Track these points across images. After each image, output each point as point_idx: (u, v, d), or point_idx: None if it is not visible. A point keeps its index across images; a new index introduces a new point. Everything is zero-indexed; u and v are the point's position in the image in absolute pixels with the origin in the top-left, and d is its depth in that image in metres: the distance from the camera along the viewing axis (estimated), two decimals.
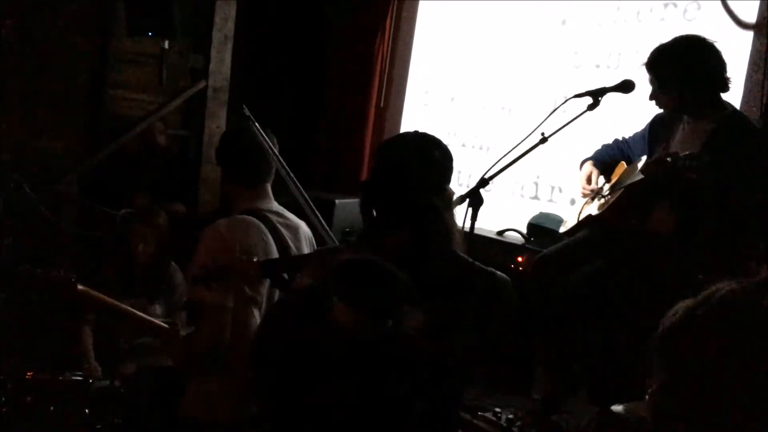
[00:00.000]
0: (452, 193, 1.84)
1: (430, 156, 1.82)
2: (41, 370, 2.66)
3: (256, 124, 2.33)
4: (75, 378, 2.73)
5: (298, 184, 2.40)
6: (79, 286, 2.37)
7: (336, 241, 2.45)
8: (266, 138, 2.34)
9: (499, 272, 1.83)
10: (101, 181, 4.37)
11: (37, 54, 4.29)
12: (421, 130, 1.96)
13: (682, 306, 1.02)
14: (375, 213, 1.79)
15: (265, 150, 2.33)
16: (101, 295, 2.47)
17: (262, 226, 2.27)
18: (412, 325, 1.32)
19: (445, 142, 1.96)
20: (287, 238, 2.33)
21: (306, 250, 2.37)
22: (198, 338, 2.16)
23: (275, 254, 2.25)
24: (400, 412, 1.08)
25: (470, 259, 1.82)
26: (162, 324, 2.48)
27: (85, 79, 4.53)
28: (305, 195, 2.43)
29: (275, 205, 2.41)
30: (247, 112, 2.33)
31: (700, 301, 0.99)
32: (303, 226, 2.43)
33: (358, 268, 1.40)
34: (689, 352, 0.96)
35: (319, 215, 2.45)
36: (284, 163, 2.38)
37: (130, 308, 2.56)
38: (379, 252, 1.73)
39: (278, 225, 2.32)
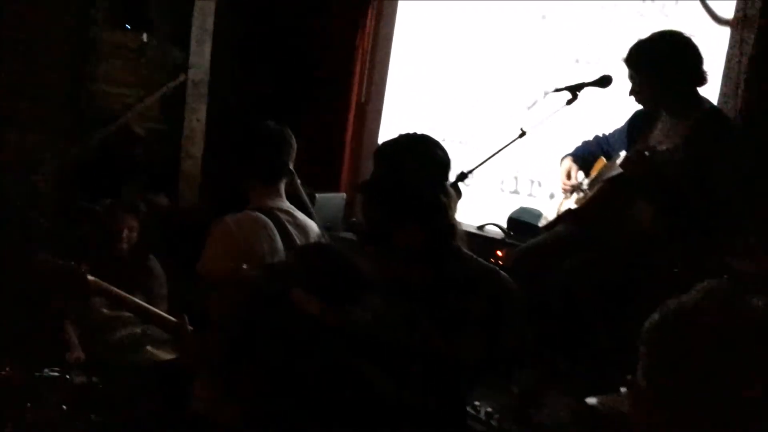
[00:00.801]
0: (452, 191, 1.88)
1: (434, 155, 1.87)
2: (18, 367, 2.64)
3: (297, 179, 2.39)
4: (52, 374, 2.71)
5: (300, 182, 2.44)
6: (90, 277, 2.37)
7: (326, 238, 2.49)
8: (288, 140, 2.38)
9: (501, 271, 1.87)
10: (79, 175, 4.33)
11: (16, 47, 4.23)
12: (415, 131, 2.00)
13: (671, 302, 1.03)
14: (380, 212, 1.82)
15: (282, 148, 2.35)
16: (111, 287, 2.47)
17: (270, 224, 2.28)
18: (375, 313, 1.31)
19: None
20: (295, 237, 2.34)
21: None
22: (210, 339, 2.15)
23: (281, 252, 2.26)
24: (372, 399, 1.08)
25: (475, 256, 1.86)
26: (170, 318, 2.47)
27: (64, 73, 4.48)
28: (304, 194, 2.46)
29: (286, 204, 2.42)
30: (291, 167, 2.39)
31: (689, 299, 0.99)
32: (313, 226, 2.45)
33: (316, 255, 1.40)
34: (675, 349, 0.97)
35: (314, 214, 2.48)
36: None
37: (138, 300, 2.55)
38: (386, 250, 1.76)
39: (287, 224, 2.33)
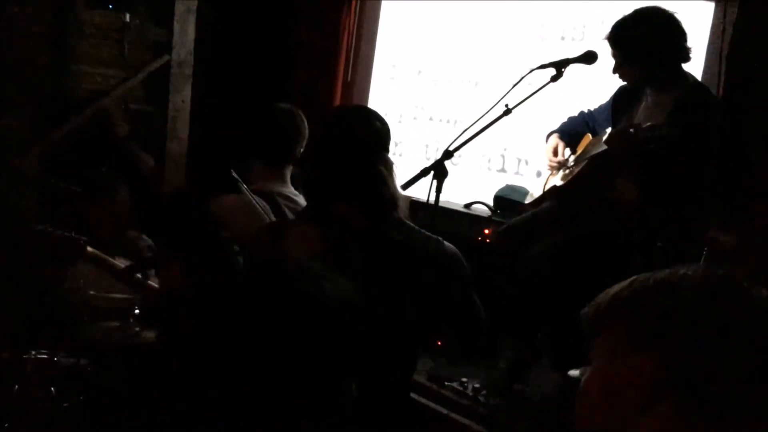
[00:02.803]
0: (392, 162, 1.90)
1: (372, 125, 1.88)
2: (5, 349, 2.63)
3: (240, 183, 2.32)
4: (40, 356, 2.70)
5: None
6: (89, 249, 2.37)
7: None
8: (297, 124, 2.37)
9: (445, 241, 1.89)
10: (61, 158, 4.29)
11: None
12: (373, 107, 2.01)
13: (636, 281, 0.99)
14: (319, 184, 1.84)
15: (289, 132, 2.36)
16: (110, 259, 2.47)
17: (267, 208, 2.28)
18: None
19: (412, 115, 2.01)
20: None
21: None
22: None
23: None
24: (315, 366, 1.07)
25: (416, 226, 1.87)
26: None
27: (45, 54, 4.42)
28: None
29: (288, 190, 2.41)
30: (235, 175, 2.33)
31: (654, 282, 0.97)
32: None
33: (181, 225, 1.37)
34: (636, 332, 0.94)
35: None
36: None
37: (138, 276, 2.55)
38: (328, 221, 1.76)
39: (286, 209, 2.32)
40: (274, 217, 2.30)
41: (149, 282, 2.59)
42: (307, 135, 2.45)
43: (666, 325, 0.92)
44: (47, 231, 2.48)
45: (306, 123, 2.46)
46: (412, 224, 1.89)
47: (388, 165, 1.87)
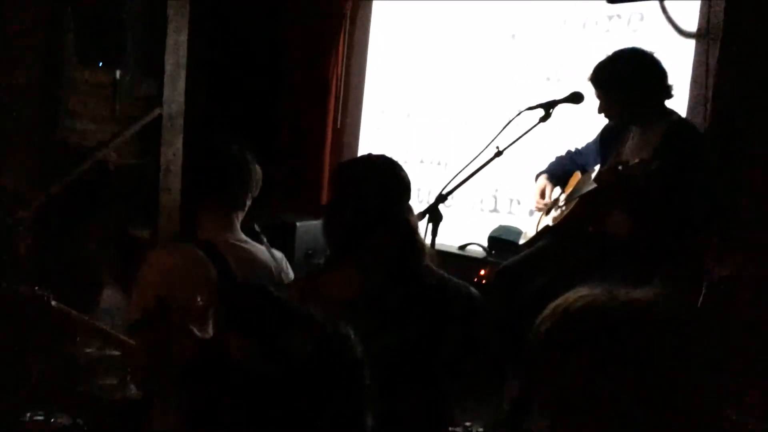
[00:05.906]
0: (413, 211, 1.91)
1: (399, 174, 1.89)
2: (2, 413, 2.60)
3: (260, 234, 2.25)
4: (37, 418, 2.67)
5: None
6: (53, 303, 2.33)
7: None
8: (243, 167, 2.22)
9: (472, 287, 1.90)
10: (55, 213, 4.29)
11: None
12: (376, 152, 2.02)
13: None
14: (344, 234, 1.83)
15: (234, 175, 2.21)
16: (75, 312, 2.43)
17: (206, 260, 2.10)
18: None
19: (403, 159, 2.03)
20: (237, 272, 2.16)
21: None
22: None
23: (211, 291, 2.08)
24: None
25: (445, 273, 1.87)
26: (128, 341, 2.42)
27: (36, 112, 4.45)
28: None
29: (235, 237, 2.23)
30: (257, 228, 2.25)
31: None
32: (269, 259, 2.27)
33: (244, 293, 1.31)
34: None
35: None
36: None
37: (103, 326, 2.50)
38: (354, 271, 1.76)
39: (229, 259, 2.14)
40: (215, 267, 2.10)
41: (120, 336, 2.49)
42: (259, 178, 2.27)
43: None
44: (7, 288, 2.42)
45: (256, 165, 2.26)
46: (441, 272, 1.89)
47: (413, 214, 1.88)
